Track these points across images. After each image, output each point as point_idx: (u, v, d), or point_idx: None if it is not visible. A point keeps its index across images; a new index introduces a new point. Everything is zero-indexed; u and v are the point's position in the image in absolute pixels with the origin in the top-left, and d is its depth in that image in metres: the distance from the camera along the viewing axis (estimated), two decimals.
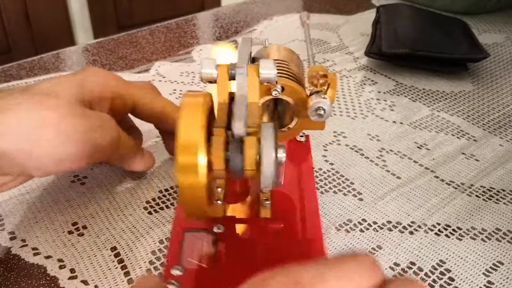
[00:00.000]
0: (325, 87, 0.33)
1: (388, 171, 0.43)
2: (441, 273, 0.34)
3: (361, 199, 0.40)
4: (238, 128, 0.28)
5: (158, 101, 0.39)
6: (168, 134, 0.42)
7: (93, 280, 0.33)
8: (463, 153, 0.46)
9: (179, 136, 0.26)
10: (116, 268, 0.34)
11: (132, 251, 0.35)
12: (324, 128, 0.35)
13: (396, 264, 0.34)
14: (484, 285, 0.33)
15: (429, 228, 0.37)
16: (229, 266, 0.31)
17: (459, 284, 0.33)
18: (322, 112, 0.31)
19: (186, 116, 0.27)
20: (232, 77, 0.30)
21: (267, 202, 0.34)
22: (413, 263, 0.34)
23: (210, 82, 0.30)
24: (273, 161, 0.27)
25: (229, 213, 0.34)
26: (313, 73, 0.32)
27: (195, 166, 0.26)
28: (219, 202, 0.32)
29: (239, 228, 0.34)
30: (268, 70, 0.30)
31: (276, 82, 0.32)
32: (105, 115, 0.34)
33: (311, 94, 0.33)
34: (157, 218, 0.37)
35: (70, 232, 0.36)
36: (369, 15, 0.73)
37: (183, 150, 0.26)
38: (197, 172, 0.26)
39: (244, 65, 0.30)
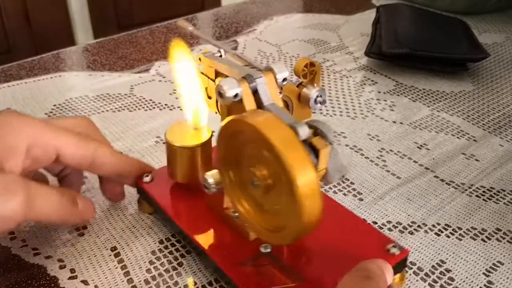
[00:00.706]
0: (312, 76, 0.33)
1: (388, 171, 0.43)
2: (441, 273, 0.34)
3: (361, 199, 0.40)
4: (305, 131, 0.28)
5: (88, 145, 0.34)
6: (105, 178, 0.37)
7: (93, 280, 0.33)
8: (463, 153, 0.46)
9: (289, 159, 0.25)
10: (116, 268, 0.34)
11: (132, 251, 0.35)
12: (311, 116, 0.35)
13: None
14: (484, 285, 0.33)
15: (429, 228, 0.37)
16: (312, 273, 0.30)
17: (459, 284, 0.33)
18: (321, 99, 0.32)
19: (279, 137, 0.25)
20: (254, 89, 0.29)
21: None
22: (413, 263, 0.34)
23: (234, 99, 0.29)
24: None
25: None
26: (301, 66, 0.32)
27: (316, 184, 0.26)
28: None
29: None
30: (283, 72, 0.30)
31: None
32: (8, 177, 0.30)
33: (297, 86, 0.33)
34: (157, 218, 0.37)
35: (70, 232, 0.36)
36: (369, 15, 0.73)
37: (300, 175, 0.25)
38: (318, 187, 0.26)
39: (261, 74, 0.30)
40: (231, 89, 0.28)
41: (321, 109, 0.52)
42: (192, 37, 0.69)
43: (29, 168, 0.32)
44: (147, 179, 0.36)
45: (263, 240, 0.30)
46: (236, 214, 0.32)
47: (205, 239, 0.33)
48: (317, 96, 0.32)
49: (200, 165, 0.35)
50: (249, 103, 0.29)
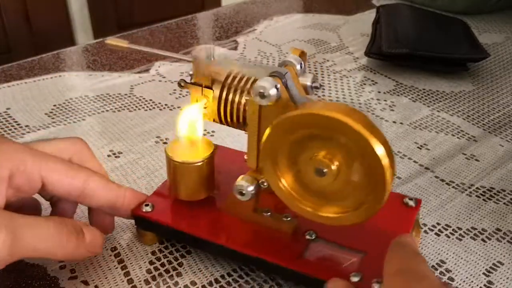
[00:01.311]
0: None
1: None
2: (441, 273, 0.34)
3: None
4: None
5: (77, 174, 0.31)
6: (94, 208, 0.34)
7: (93, 280, 0.33)
8: (463, 153, 0.46)
9: (374, 138, 0.26)
10: (116, 268, 0.34)
11: (132, 251, 0.35)
12: None
13: None
14: (484, 285, 0.33)
15: (429, 228, 0.37)
16: (362, 245, 0.31)
17: (459, 284, 0.33)
18: (316, 84, 0.33)
19: (358, 122, 0.26)
20: (285, 85, 0.29)
21: None
22: None
23: (276, 96, 0.28)
24: None
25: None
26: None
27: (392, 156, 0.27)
28: None
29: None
30: (299, 63, 0.31)
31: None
32: None
33: None
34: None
35: None
36: (369, 15, 0.73)
37: (383, 151, 0.26)
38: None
39: (287, 70, 0.30)
40: (272, 87, 0.28)
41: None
42: (192, 37, 0.69)
43: (12, 197, 0.29)
44: (147, 208, 0.34)
45: (333, 224, 0.29)
46: (269, 213, 0.33)
47: (252, 246, 0.32)
48: (313, 82, 0.32)
49: (207, 179, 0.34)
50: (287, 99, 0.29)
